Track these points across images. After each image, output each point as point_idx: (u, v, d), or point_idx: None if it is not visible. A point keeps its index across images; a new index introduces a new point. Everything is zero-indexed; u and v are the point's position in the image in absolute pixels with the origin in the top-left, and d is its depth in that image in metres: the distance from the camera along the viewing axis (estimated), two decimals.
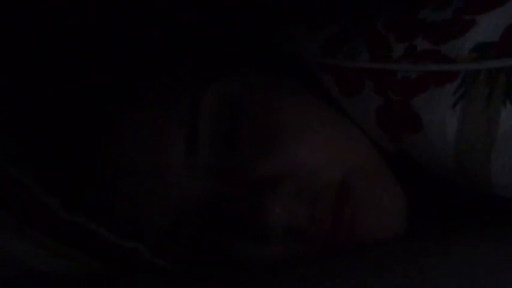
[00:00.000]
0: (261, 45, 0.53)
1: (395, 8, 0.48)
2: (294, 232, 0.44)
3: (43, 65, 0.53)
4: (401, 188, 0.48)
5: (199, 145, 0.46)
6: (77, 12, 0.53)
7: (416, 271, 0.40)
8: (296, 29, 0.52)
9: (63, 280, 0.44)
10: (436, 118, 0.44)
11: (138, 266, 0.45)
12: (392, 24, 0.47)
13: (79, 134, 0.50)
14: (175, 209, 0.46)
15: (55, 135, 0.51)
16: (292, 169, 0.45)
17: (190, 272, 0.45)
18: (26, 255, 0.43)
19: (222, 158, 0.46)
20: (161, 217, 0.46)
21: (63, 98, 0.52)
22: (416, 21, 0.46)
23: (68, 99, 0.52)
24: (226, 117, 0.46)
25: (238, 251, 0.45)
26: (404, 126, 0.45)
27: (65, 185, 0.49)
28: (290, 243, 0.45)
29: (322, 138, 0.46)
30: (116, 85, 0.51)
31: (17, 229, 0.44)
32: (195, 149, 0.46)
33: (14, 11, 0.52)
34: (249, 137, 0.46)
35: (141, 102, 0.48)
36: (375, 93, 0.46)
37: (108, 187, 0.47)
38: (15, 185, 0.44)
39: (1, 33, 0.52)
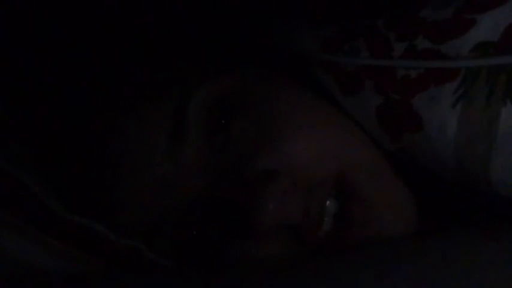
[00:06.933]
0: (261, 43, 0.53)
1: (395, 7, 0.48)
2: (289, 229, 0.44)
3: (40, 65, 0.54)
4: (403, 185, 0.48)
5: (187, 140, 0.45)
6: (71, 10, 0.54)
7: (417, 272, 0.40)
8: (296, 27, 0.52)
9: (64, 279, 0.44)
10: (436, 117, 0.44)
11: (138, 264, 0.45)
12: (393, 23, 0.47)
13: (73, 133, 0.50)
14: (160, 205, 0.45)
15: (51, 135, 0.51)
16: (287, 165, 0.45)
17: (189, 270, 0.45)
18: (27, 254, 0.44)
19: (213, 153, 0.46)
20: (146, 213, 0.45)
21: (57, 96, 0.52)
22: (417, 20, 0.46)
23: (61, 97, 0.52)
24: (219, 112, 0.46)
25: (233, 249, 0.45)
26: (405, 126, 0.45)
27: (63, 184, 0.49)
28: (287, 241, 0.45)
29: (318, 135, 0.46)
30: (108, 81, 0.51)
31: (18, 229, 0.44)
32: (182, 143, 0.45)
33: (10, 11, 0.52)
34: (243, 132, 0.46)
35: (132, 98, 0.48)
36: (375, 92, 0.46)
37: (99, 184, 0.47)
38: (16, 185, 0.45)
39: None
